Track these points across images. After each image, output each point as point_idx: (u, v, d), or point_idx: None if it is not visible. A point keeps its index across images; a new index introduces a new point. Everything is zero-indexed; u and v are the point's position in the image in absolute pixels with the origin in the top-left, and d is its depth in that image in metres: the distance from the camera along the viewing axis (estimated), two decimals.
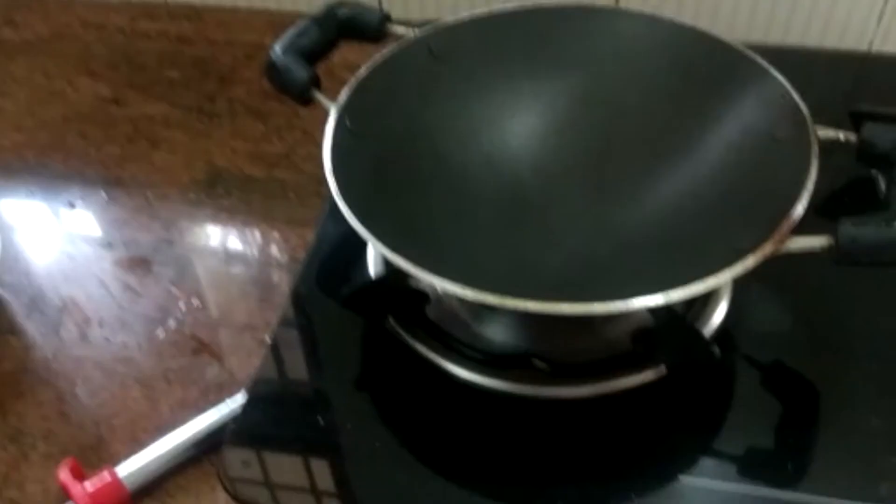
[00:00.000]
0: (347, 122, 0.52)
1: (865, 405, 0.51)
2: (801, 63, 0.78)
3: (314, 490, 0.50)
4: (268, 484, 0.50)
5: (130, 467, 0.57)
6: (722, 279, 0.43)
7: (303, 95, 0.54)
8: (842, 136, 0.51)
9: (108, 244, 0.70)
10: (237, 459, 0.50)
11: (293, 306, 0.59)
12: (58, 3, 0.97)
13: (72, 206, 0.73)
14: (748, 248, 0.44)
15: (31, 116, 0.82)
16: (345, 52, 0.61)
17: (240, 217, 0.71)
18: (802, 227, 0.45)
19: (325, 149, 0.50)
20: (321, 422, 0.51)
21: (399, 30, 0.59)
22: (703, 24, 0.81)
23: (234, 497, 0.48)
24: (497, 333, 0.54)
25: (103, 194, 0.74)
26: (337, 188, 0.47)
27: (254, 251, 0.69)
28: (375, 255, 0.58)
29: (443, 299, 0.55)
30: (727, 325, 0.54)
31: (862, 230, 0.43)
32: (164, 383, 0.61)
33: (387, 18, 0.59)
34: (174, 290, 0.67)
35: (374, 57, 0.56)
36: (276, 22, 0.92)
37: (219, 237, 0.70)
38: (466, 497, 0.48)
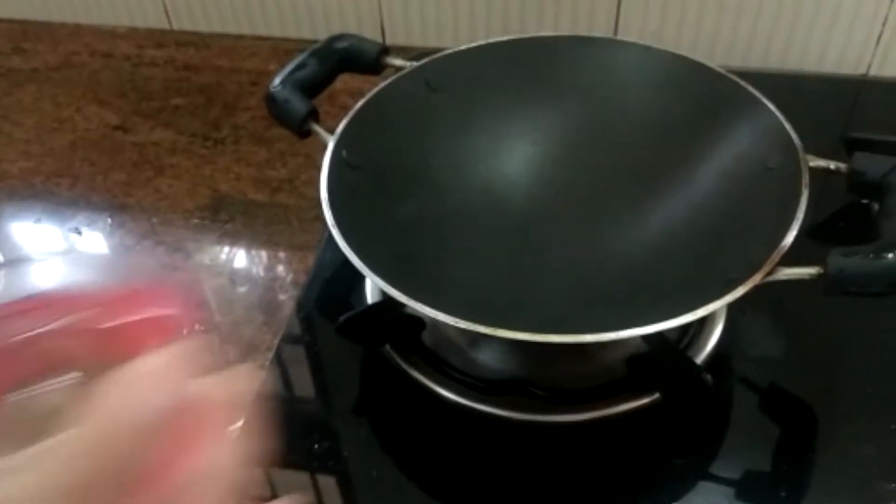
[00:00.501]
0: (344, 154, 0.53)
1: (859, 432, 0.51)
2: (798, 89, 0.79)
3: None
4: None
5: None
6: (711, 308, 0.44)
7: (301, 128, 0.55)
8: (833, 165, 0.51)
9: None
10: None
11: (292, 331, 0.60)
12: (66, 32, 0.98)
13: (78, 232, 0.74)
14: (739, 277, 0.45)
15: (40, 143, 0.83)
16: (347, 78, 0.62)
17: (243, 242, 0.72)
18: (797, 254, 0.46)
19: (321, 181, 0.51)
20: (318, 447, 0.52)
21: (397, 62, 0.60)
22: (701, 50, 0.83)
23: None
24: (493, 360, 0.55)
25: (109, 220, 0.75)
26: (333, 220, 0.48)
27: (257, 275, 0.69)
28: (372, 282, 0.59)
29: (439, 326, 0.56)
30: (722, 351, 0.54)
31: (850, 261, 0.44)
32: None
33: (385, 51, 0.60)
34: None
35: (371, 90, 0.57)
36: (281, 49, 0.93)
37: (222, 262, 0.71)
38: None
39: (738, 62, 0.83)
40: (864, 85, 0.81)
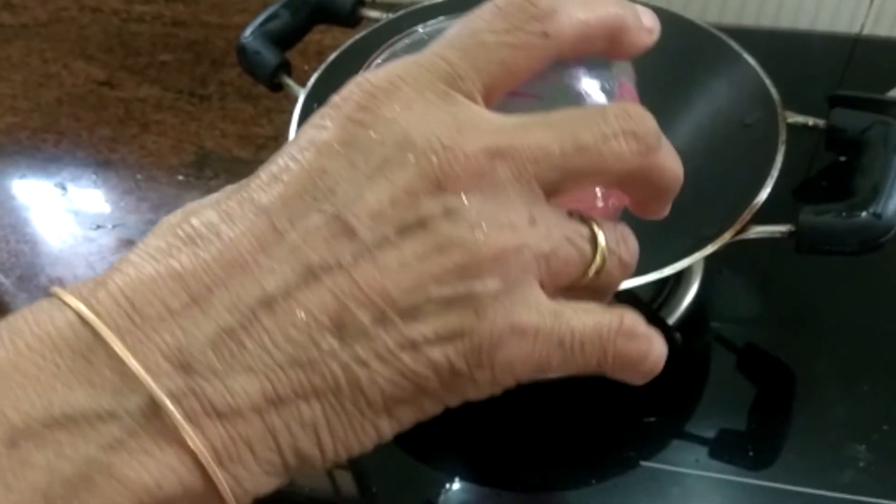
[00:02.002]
0: (316, 107, 0.51)
1: (832, 392, 0.50)
2: (791, 47, 0.76)
3: None
4: None
5: None
6: (680, 266, 0.42)
7: (271, 80, 0.53)
8: (811, 122, 0.49)
9: (96, 226, 0.70)
10: None
11: None
12: None
13: (63, 188, 0.73)
14: (710, 235, 0.43)
15: (27, 99, 0.81)
16: (327, 33, 0.60)
17: None
18: (778, 212, 0.44)
19: (290, 135, 0.49)
20: None
21: (373, 14, 0.58)
22: (694, 7, 0.80)
23: None
24: None
25: (94, 176, 0.73)
26: None
27: None
28: None
29: None
30: (698, 311, 0.53)
31: (822, 219, 0.42)
32: None
33: (360, 3, 0.57)
34: None
35: (344, 42, 0.55)
36: (270, 4, 0.91)
37: None
38: (432, 475, 0.48)
39: (731, 19, 0.81)
40: (858, 43, 0.78)
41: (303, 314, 0.19)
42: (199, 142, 0.76)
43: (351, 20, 0.58)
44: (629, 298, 0.48)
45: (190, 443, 0.19)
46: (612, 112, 0.22)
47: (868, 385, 0.49)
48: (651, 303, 0.52)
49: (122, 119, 0.78)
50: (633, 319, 0.23)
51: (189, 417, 0.19)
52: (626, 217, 0.53)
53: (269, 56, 0.53)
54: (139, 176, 0.73)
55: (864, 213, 0.41)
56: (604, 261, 0.23)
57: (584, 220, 0.23)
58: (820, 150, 0.54)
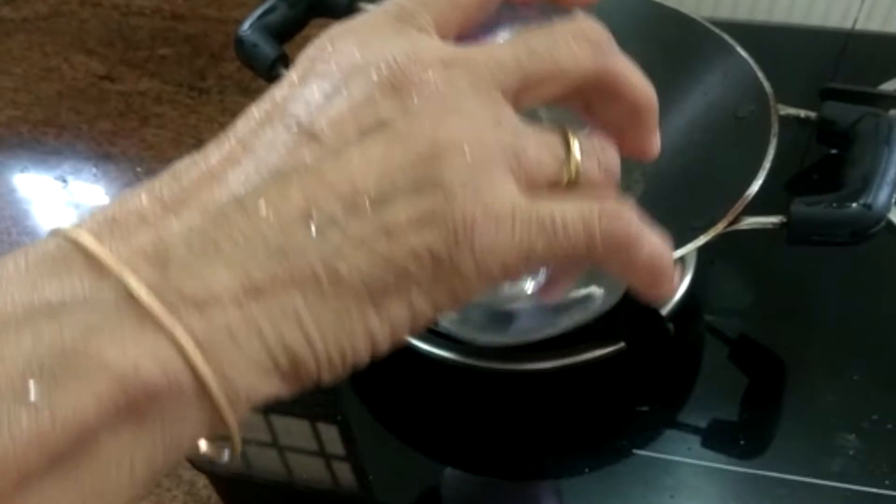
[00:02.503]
0: None
1: (823, 382, 0.50)
2: (784, 41, 0.76)
3: (280, 452, 0.49)
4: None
5: None
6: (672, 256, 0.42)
7: (269, 73, 0.53)
8: (803, 114, 0.49)
9: None
10: None
11: None
12: None
13: (64, 181, 0.73)
14: (701, 226, 0.43)
15: (27, 92, 0.81)
16: (321, 27, 0.60)
17: None
18: (770, 204, 0.44)
19: None
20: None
21: (369, 7, 0.57)
22: (689, 1, 0.80)
23: (196, 467, 0.48)
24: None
25: (94, 169, 0.73)
26: None
27: None
28: None
29: None
30: (691, 301, 0.53)
31: (813, 210, 0.42)
32: None
33: None
34: None
35: None
36: None
37: None
38: (427, 464, 0.48)
39: (725, 14, 0.81)
40: (851, 38, 0.78)
41: (273, 211, 0.20)
42: (199, 135, 0.75)
43: (347, 13, 0.57)
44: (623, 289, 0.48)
45: (166, 323, 0.19)
46: (562, 22, 0.24)
47: (858, 375, 0.49)
48: None
49: (123, 112, 0.78)
50: (617, 204, 0.23)
51: (166, 306, 0.19)
52: None
53: (268, 49, 0.53)
54: (139, 169, 0.73)
55: (854, 204, 0.41)
56: (578, 164, 0.23)
57: (555, 127, 0.24)
58: (811, 143, 0.54)
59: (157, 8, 0.91)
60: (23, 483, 0.17)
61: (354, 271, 0.20)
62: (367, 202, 0.20)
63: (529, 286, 0.28)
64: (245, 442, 0.49)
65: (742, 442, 0.47)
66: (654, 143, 0.26)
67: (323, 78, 0.22)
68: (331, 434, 0.50)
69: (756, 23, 0.80)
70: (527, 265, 0.22)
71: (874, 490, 0.44)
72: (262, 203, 0.20)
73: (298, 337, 0.20)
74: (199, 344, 0.19)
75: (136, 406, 0.18)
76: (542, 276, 0.28)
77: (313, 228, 0.20)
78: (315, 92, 0.21)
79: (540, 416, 0.49)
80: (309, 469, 0.48)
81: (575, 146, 0.23)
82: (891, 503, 0.44)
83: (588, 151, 0.23)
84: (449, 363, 0.50)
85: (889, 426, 0.47)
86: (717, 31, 0.54)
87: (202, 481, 0.57)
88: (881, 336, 0.52)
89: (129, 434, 0.19)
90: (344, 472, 0.48)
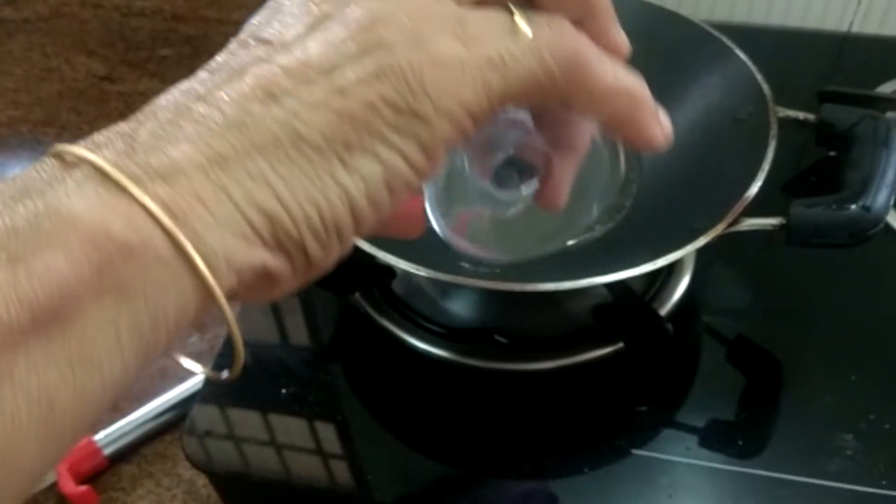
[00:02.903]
0: None
1: (821, 382, 0.49)
2: (781, 44, 0.76)
3: (279, 451, 0.49)
4: (230, 457, 0.49)
5: (109, 435, 0.57)
6: (672, 258, 0.42)
7: None
8: (801, 116, 0.49)
9: None
10: (200, 431, 0.49)
11: None
12: None
13: None
14: (701, 227, 0.43)
15: (28, 93, 0.81)
16: None
17: None
18: (769, 206, 0.44)
19: None
20: (285, 392, 0.51)
21: None
22: (687, 3, 0.80)
23: (196, 467, 0.48)
24: (462, 308, 0.53)
25: None
26: None
27: None
28: None
29: (409, 274, 0.54)
30: (689, 302, 0.53)
31: (812, 212, 0.42)
32: None
33: None
34: None
35: None
36: None
37: None
38: (426, 464, 0.47)
39: (722, 16, 0.80)
40: (847, 40, 0.78)
41: (230, 93, 0.21)
42: None
43: None
44: (622, 290, 0.48)
45: (134, 191, 0.19)
46: None
47: (855, 375, 0.49)
48: (643, 294, 0.52)
49: (123, 113, 0.78)
50: (563, 28, 0.24)
51: (133, 178, 0.19)
52: (627, 219, 0.53)
53: None
54: None
55: (853, 206, 0.41)
56: (525, 31, 0.23)
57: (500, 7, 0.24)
58: (808, 144, 0.54)
59: (157, 9, 0.90)
60: (8, 342, 0.18)
61: (314, 129, 0.21)
62: (317, 73, 0.21)
63: (526, 188, 0.29)
64: (244, 440, 0.49)
65: (740, 442, 0.47)
66: (616, 35, 0.26)
67: (271, 6, 0.23)
68: (329, 433, 0.49)
69: (753, 25, 0.80)
70: (490, 103, 0.23)
71: (872, 490, 0.44)
72: (220, 93, 0.21)
73: (268, 196, 0.21)
74: (167, 208, 0.19)
75: (113, 267, 0.19)
76: (536, 182, 0.29)
77: (270, 102, 0.21)
78: (264, 15, 0.23)
79: (539, 415, 0.49)
80: (307, 468, 0.48)
81: (521, 20, 0.23)
82: (888, 503, 0.44)
83: (537, 23, 0.23)
84: (448, 363, 0.50)
85: (886, 426, 0.47)
86: (716, 33, 0.54)
87: (202, 480, 0.57)
88: (879, 337, 0.51)
89: (112, 300, 0.19)
90: (342, 471, 0.48)
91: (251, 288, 0.22)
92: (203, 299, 0.20)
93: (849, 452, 0.46)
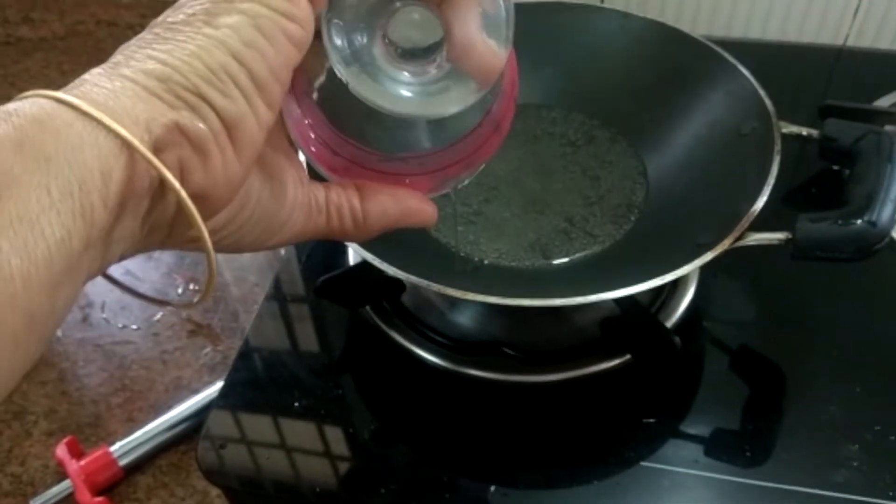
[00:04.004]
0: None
1: (825, 393, 0.48)
2: (778, 58, 0.75)
3: (292, 463, 0.48)
4: (243, 470, 0.48)
5: (125, 445, 0.56)
6: (680, 273, 0.41)
7: None
8: (805, 132, 0.48)
9: None
10: (214, 444, 0.48)
11: (278, 291, 0.58)
12: (72, 2, 0.95)
13: None
14: (708, 242, 0.42)
15: None
16: None
17: None
18: (772, 219, 0.43)
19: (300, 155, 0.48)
20: (298, 405, 0.50)
21: None
22: (685, 19, 0.79)
23: (209, 480, 0.47)
24: (471, 322, 0.52)
25: None
26: None
27: None
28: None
29: (418, 288, 0.53)
30: (694, 313, 0.52)
31: (818, 227, 0.41)
32: (160, 364, 0.60)
33: None
34: (173, 274, 0.65)
35: None
36: None
37: None
38: (438, 474, 0.46)
39: (720, 31, 0.79)
40: (843, 54, 0.77)
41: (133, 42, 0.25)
42: None
43: None
44: (630, 303, 0.47)
45: (52, 94, 0.22)
46: None
47: (860, 386, 0.48)
48: (650, 307, 0.51)
49: None
50: None
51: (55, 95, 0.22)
52: (633, 233, 0.52)
53: None
54: None
55: (859, 221, 0.40)
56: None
57: None
58: (809, 157, 0.53)
59: None
60: None
61: (179, 13, 0.24)
62: None
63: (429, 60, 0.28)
64: (256, 451, 0.48)
65: (748, 454, 0.46)
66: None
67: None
68: (340, 444, 0.48)
69: (751, 40, 0.79)
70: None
71: (878, 501, 0.43)
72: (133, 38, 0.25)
73: (154, 65, 0.23)
74: (70, 94, 0.22)
75: (32, 140, 0.21)
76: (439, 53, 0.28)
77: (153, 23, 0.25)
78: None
79: (547, 427, 0.48)
80: (320, 477, 0.47)
81: None
82: None
83: None
84: (457, 375, 0.49)
85: (892, 437, 0.46)
86: (718, 49, 0.53)
87: (215, 491, 0.56)
88: (883, 348, 0.50)
89: (37, 165, 0.20)
90: (354, 482, 0.47)
91: (183, 159, 0.23)
92: (126, 157, 0.22)
93: (855, 463, 0.45)
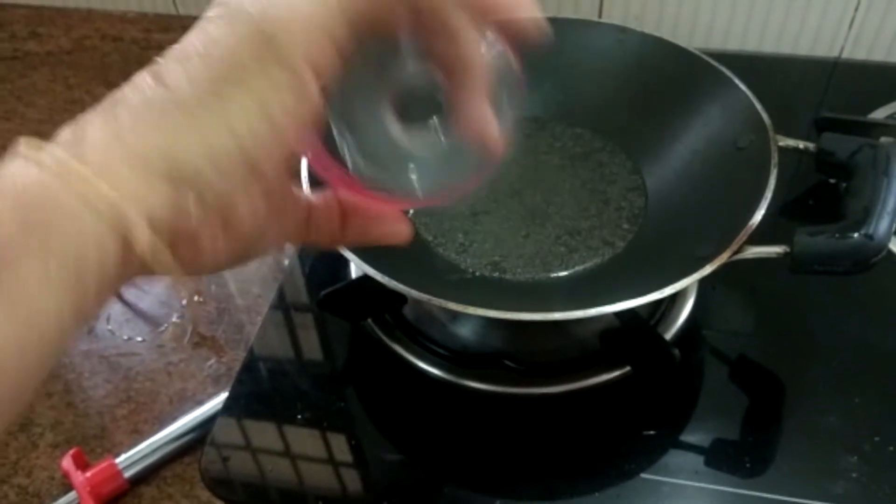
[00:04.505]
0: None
1: (824, 404, 0.48)
2: (773, 71, 0.75)
3: (297, 473, 0.48)
4: (247, 481, 0.48)
5: (130, 457, 0.56)
6: (679, 286, 0.41)
7: None
8: (802, 145, 0.47)
9: None
10: (217, 455, 0.48)
11: (281, 303, 0.57)
12: (79, 17, 0.94)
13: None
14: (707, 255, 0.42)
15: (52, 124, 0.79)
16: None
17: None
18: (769, 232, 0.43)
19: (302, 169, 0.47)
20: (300, 417, 0.49)
21: None
22: (682, 33, 0.79)
23: (212, 492, 0.47)
24: (472, 334, 0.52)
25: None
26: None
27: None
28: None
29: (419, 301, 0.53)
30: (693, 325, 0.51)
31: (816, 240, 0.41)
32: (165, 376, 0.60)
33: None
34: (177, 286, 0.65)
35: None
36: None
37: None
38: (440, 486, 0.46)
39: (717, 45, 0.79)
40: (838, 66, 0.77)
41: (130, 83, 0.25)
42: None
43: None
44: (629, 316, 0.47)
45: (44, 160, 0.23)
46: None
47: (859, 398, 0.48)
48: (649, 319, 0.50)
49: None
50: None
51: (46, 158, 0.23)
52: (632, 245, 0.51)
53: None
54: None
55: (856, 235, 0.40)
56: None
57: None
58: (805, 169, 0.53)
59: (174, 42, 0.90)
60: None
61: (189, 91, 0.23)
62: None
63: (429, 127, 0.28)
64: (261, 462, 0.48)
65: (748, 465, 0.45)
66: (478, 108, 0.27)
67: None
68: (343, 455, 0.48)
69: (747, 53, 0.79)
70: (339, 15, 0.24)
71: None
72: (125, 87, 0.24)
73: (157, 140, 0.23)
74: (66, 168, 0.22)
75: (33, 219, 0.21)
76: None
77: (156, 81, 0.24)
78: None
79: (548, 439, 0.48)
80: (324, 488, 0.47)
81: None
82: None
83: None
84: (458, 387, 0.49)
85: (891, 448, 0.45)
86: (715, 63, 0.53)
87: (219, 501, 0.55)
88: (881, 359, 0.50)
89: (37, 243, 0.21)
90: (357, 494, 0.47)
91: (176, 239, 0.23)
92: (120, 237, 0.22)
93: (854, 475, 0.44)
